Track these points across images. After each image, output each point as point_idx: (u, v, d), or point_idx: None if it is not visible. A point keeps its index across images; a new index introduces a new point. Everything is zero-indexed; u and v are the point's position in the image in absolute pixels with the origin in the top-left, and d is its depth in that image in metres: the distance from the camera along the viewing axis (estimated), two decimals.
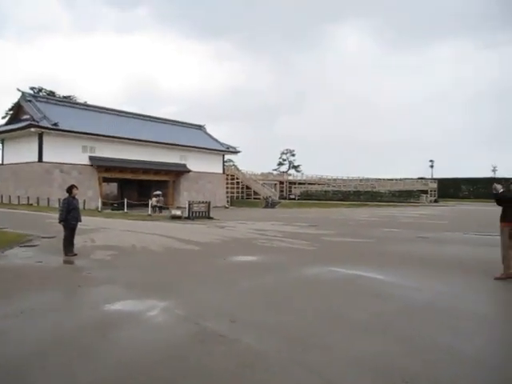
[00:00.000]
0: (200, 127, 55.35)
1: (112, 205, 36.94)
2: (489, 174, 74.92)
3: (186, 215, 25.33)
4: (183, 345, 4.87)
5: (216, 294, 7.21)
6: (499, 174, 73.44)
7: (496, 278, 8.59)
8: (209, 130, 55.64)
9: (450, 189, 67.95)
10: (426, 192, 59.70)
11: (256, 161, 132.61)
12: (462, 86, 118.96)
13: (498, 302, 7.54)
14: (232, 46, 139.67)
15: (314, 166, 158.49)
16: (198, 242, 14.06)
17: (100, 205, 32.99)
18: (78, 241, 12.07)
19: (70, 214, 10.88)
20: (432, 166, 69.57)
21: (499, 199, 8.91)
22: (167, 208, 35.84)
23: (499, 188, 8.93)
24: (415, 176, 71.21)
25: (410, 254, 11.82)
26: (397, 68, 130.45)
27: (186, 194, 46.37)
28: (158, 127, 48.42)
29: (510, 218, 8.68)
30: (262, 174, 70.06)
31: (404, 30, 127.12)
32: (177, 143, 46.18)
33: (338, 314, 6.10)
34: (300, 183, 70.55)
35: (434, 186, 62.28)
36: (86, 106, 45.64)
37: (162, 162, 44.92)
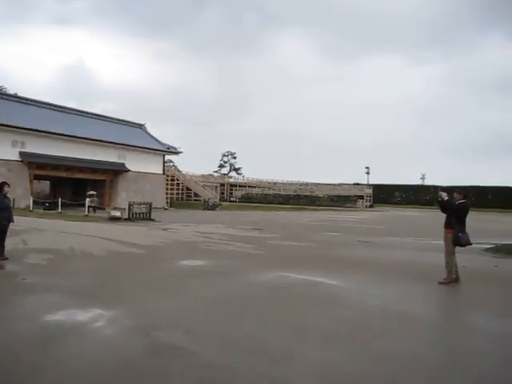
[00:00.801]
0: (140, 126, 53.71)
1: (44, 204, 34.81)
2: (418, 182, 79.21)
3: (126, 216, 24.36)
4: (135, 360, 4.48)
5: (166, 301, 6.83)
6: (427, 182, 77.93)
7: (440, 283, 8.88)
8: (150, 129, 54.17)
9: (385, 195, 70.99)
10: (362, 197, 61.92)
11: (197, 162, 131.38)
12: (397, 98, 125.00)
13: (445, 307, 7.78)
14: (176, 47, 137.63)
15: (255, 169, 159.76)
16: (141, 245, 13.47)
17: (31, 204, 30.96)
18: (9, 243, 11.12)
19: (0, 214, 9.98)
20: (368, 173, 72.47)
21: (444, 207, 9.23)
22: (103, 208, 34.33)
23: (444, 196, 9.24)
24: (351, 181, 73.79)
25: (355, 259, 12.02)
26: (334, 77, 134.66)
27: (124, 195, 44.73)
28: (96, 124, 46.36)
29: (453, 224, 8.99)
30: (203, 176, 69.28)
31: (341, 43, 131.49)
32: (115, 141, 44.41)
33: (301, 323, 5.93)
34: (241, 186, 70.56)
35: (370, 191, 64.76)
36: (16, 98, 42.73)
37: (99, 161, 43.01)
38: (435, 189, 73.50)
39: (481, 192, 63.86)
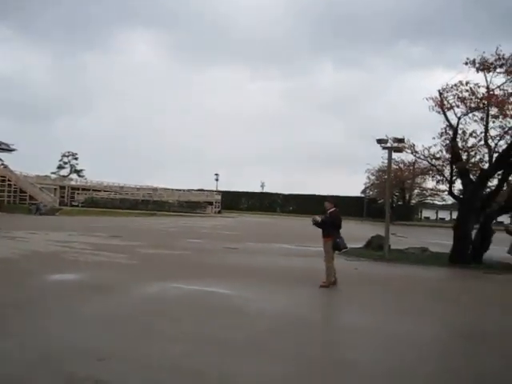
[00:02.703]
0: None
1: None
2: (259, 189, 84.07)
3: None
4: None
5: (57, 326, 5.86)
6: (266, 189, 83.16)
7: (321, 286, 9.42)
8: None
9: (232, 201, 73.45)
10: (211, 203, 63.01)
11: (33, 162, 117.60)
12: (241, 109, 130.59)
13: (334, 309, 8.28)
14: (10, 31, 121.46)
15: (100, 172, 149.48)
16: None
17: None
18: None
19: None
20: (217, 180, 73.94)
21: (324, 225, 9.72)
22: None
23: (318, 219, 9.77)
24: (202, 188, 74.52)
25: (237, 266, 12.15)
26: (183, 82, 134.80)
27: None
28: None
29: (332, 234, 9.58)
30: (38, 177, 62.48)
31: (191, 50, 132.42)
32: None
33: (215, 337, 5.64)
34: (84, 189, 65.65)
35: (219, 198, 66.28)
36: None
37: None
38: (278, 196, 79.10)
39: (315, 199, 70.68)
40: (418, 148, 15.41)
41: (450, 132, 14.66)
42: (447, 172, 15.46)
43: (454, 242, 15.22)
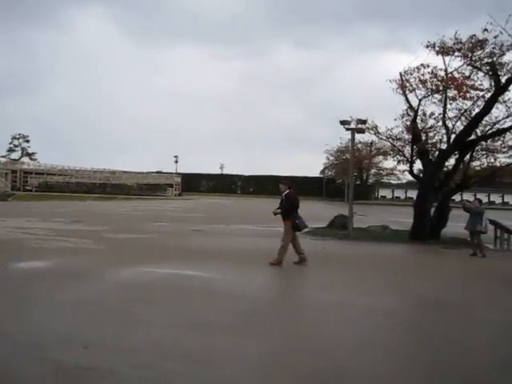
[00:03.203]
0: None
1: None
2: (218, 171, 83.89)
3: None
4: None
5: (36, 314, 5.72)
6: (226, 171, 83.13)
7: (271, 264, 9.48)
8: None
9: (192, 183, 72.92)
10: (171, 186, 62.32)
11: None
12: (201, 90, 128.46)
13: (308, 286, 8.46)
14: None
15: (54, 156, 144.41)
16: None
17: None
18: None
19: None
20: (177, 162, 73.07)
21: (288, 211, 9.77)
22: None
23: (278, 211, 9.88)
24: (160, 169, 73.35)
25: (206, 248, 12.23)
26: (140, 62, 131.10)
27: None
28: None
29: (290, 215, 9.68)
30: None
31: (149, 28, 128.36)
32: None
33: (197, 320, 5.69)
34: (38, 173, 63.15)
35: (179, 180, 65.62)
36: None
37: None
38: (238, 177, 79.15)
39: (275, 180, 71.30)
40: (381, 129, 15.86)
41: (411, 113, 15.13)
42: (408, 152, 16.02)
43: (414, 220, 15.87)
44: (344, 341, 5.13)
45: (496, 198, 62.59)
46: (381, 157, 58.73)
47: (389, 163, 62.30)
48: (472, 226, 12.93)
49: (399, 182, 71.39)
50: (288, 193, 9.86)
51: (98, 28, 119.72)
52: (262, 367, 4.33)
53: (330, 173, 73.41)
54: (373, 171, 70.94)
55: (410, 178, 63.20)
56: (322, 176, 74.62)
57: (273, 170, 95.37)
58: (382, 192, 73.38)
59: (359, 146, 66.49)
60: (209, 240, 14.44)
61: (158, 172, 70.81)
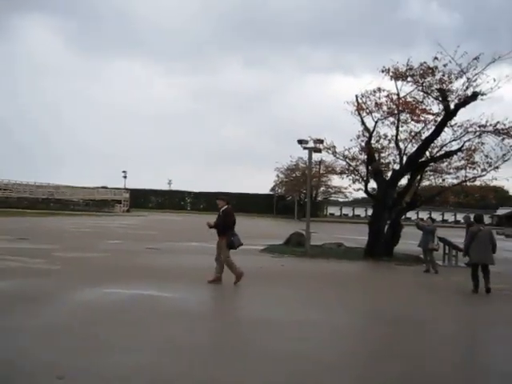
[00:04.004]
0: None
1: None
2: (166, 187, 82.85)
3: None
4: None
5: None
6: (174, 187, 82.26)
7: (235, 283, 9.40)
8: None
9: (140, 199, 71.35)
10: (119, 202, 60.56)
11: None
12: (149, 105, 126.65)
13: (278, 303, 8.45)
14: None
15: None
16: None
17: None
18: None
19: None
20: (125, 177, 71.08)
21: (216, 227, 9.69)
22: None
23: (211, 223, 9.75)
24: (105, 185, 71.04)
25: (161, 267, 11.99)
26: (85, 75, 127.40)
27: None
28: None
29: (226, 232, 9.48)
30: None
31: (94, 40, 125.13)
32: None
33: (170, 343, 5.54)
34: None
35: (127, 196, 63.91)
36: None
37: None
38: (188, 194, 78.34)
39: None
40: (338, 149, 16.35)
41: (367, 135, 15.72)
42: (363, 172, 16.57)
43: (369, 237, 16.36)
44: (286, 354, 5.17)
45: (449, 217, 65.65)
46: (329, 175, 60.51)
47: (337, 181, 64.29)
48: (425, 244, 13.50)
49: (346, 199, 73.61)
50: (226, 208, 9.69)
51: (41, 38, 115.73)
52: None
53: (280, 190, 74.35)
54: (321, 189, 72.57)
55: (356, 195, 64.87)
56: (272, 193, 75.44)
57: (223, 187, 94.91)
58: (331, 209, 75.19)
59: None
60: (166, 258, 14.11)
61: (103, 187, 68.55)
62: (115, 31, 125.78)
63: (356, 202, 75.47)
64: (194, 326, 6.41)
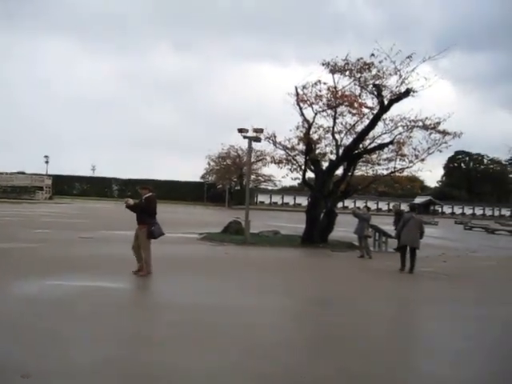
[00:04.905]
0: None
1: None
2: (90, 173, 79.53)
3: None
4: None
5: None
6: (98, 173, 79.29)
7: (138, 275, 8.93)
8: None
9: (64, 186, 67.74)
10: (41, 188, 57.06)
11: None
12: (72, 86, 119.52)
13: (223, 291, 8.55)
14: None
15: None
16: None
17: None
18: None
19: None
20: (47, 162, 66.87)
21: (137, 209, 9.24)
22: None
23: (131, 201, 9.28)
24: (22, 170, 66.40)
25: (100, 256, 11.68)
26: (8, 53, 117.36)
27: None
28: None
29: (146, 221, 9.07)
30: None
31: (20, 16, 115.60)
32: None
33: (128, 334, 5.47)
34: None
35: (49, 182, 60.33)
36: None
37: None
38: (115, 180, 75.51)
39: (154, 184, 69.84)
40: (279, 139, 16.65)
41: (306, 126, 16.16)
42: (301, 162, 17.04)
43: (306, 225, 16.93)
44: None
45: (372, 205, 69.11)
46: (259, 163, 61.28)
47: (267, 170, 65.36)
48: (360, 231, 14.26)
49: (275, 187, 75.12)
50: (150, 196, 9.24)
51: None
52: None
53: (210, 178, 74.12)
54: (252, 177, 73.36)
55: (285, 184, 66.57)
56: (203, 181, 75.02)
57: (152, 174, 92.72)
58: (261, 197, 76.27)
59: (240, 152, 68.63)
60: (103, 248, 13.61)
61: (20, 173, 64.04)
62: (36, 6, 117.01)
63: (284, 190, 77.27)
64: (145, 316, 6.36)
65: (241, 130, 17.11)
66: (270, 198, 75.91)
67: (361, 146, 16.78)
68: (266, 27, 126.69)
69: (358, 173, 18.65)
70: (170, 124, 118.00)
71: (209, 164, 71.17)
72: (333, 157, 16.62)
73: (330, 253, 15.49)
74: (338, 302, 8.19)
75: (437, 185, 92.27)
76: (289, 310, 7.44)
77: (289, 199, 74.85)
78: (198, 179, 75.54)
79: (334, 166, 16.50)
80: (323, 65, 14.83)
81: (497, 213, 79.74)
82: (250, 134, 16.93)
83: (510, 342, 6.31)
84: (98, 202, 58.18)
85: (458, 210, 79.59)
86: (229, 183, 69.33)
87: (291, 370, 4.51)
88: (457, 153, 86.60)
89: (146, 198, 9.22)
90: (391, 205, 69.70)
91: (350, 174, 17.32)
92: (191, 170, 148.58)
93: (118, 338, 5.32)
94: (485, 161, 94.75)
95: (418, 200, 64.52)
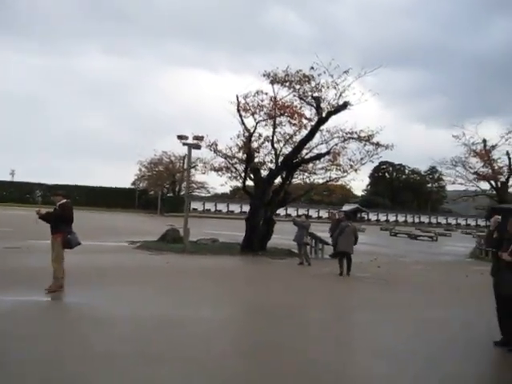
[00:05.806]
0: None
1: None
2: (8, 178, 74.54)
3: None
4: None
5: None
6: (17, 178, 74.64)
7: (48, 292, 8.17)
8: None
9: None
10: None
11: None
12: None
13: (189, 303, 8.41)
14: None
15: None
16: None
17: None
18: None
19: None
20: None
21: (51, 218, 8.59)
22: None
23: (43, 211, 8.67)
24: None
25: (34, 268, 10.87)
26: None
27: None
28: None
29: (61, 229, 8.45)
30: None
31: None
32: None
33: (93, 351, 5.23)
34: None
35: None
36: None
37: None
38: (39, 186, 71.02)
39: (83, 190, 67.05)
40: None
41: (246, 134, 16.35)
42: (241, 170, 17.19)
43: (246, 233, 17.06)
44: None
45: (302, 212, 70.64)
46: (192, 170, 60.68)
47: (201, 177, 64.92)
48: (300, 239, 14.61)
49: (208, 194, 74.76)
50: (64, 202, 8.56)
51: None
52: None
53: (142, 184, 72.18)
54: (185, 184, 72.44)
55: (218, 191, 66.35)
56: (134, 187, 72.89)
57: (80, 179, 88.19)
58: (194, 205, 75.53)
59: (172, 159, 67.56)
60: (35, 259, 12.77)
61: None
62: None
63: (217, 197, 77.15)
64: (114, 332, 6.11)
65: (180, 137, 16.94)
66: (203, 205, 75.47)
67: (299, 155, 17.25)
68: (200, 35, 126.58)
69: (295, 181, 19.14)
70: (99, 128, 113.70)
71: (140, 170, 69.38)
72: (272, 166, 16.94)
73: (270, 260, 15.70)
74: (282, 310, 8.20)
75: (363, 193, 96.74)
76: (233, 319, 7.48)
77: (222, 206, 74.92)
78: (129, 185, 73.34)
79: (273, 174, 16.81)
80: (264, 75, 15.15)
81: (417, 219, 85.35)
82: (190, 141, 16.81)
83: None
84: (20, 208, 54.47)
85: (382, 217, 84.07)
86: (161, 190, 67.94)
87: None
88: (381, 163, 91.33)
89: (60, 205, 8.48)
90: (321, 212, 72.92)
91: (288, 182, 17.73)
92: (122, 176, 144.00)
93: (77, 356, 5.04)
94: (406, 171, 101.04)
95: (346, 208, 67.22)
